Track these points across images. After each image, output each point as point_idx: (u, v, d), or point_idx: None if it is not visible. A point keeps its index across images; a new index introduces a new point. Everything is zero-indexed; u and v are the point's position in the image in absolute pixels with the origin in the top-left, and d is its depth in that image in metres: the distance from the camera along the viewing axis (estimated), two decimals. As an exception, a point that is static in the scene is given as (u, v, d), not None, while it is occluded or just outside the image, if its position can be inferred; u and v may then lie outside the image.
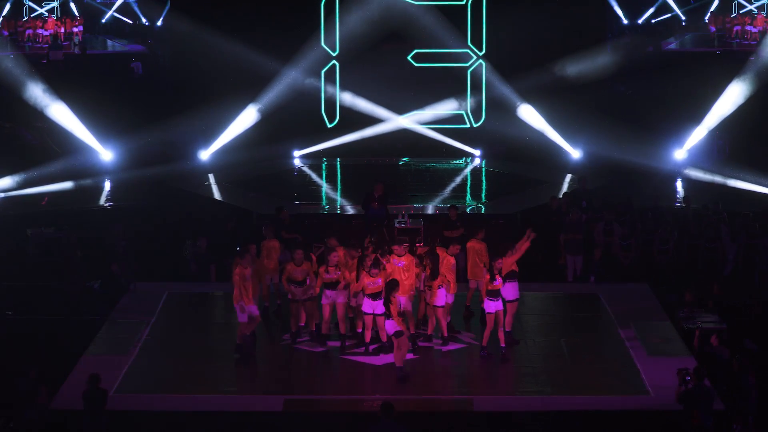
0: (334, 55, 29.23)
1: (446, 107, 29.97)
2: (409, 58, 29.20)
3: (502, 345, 16.50)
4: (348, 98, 29.67)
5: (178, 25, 28.15)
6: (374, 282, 16.09)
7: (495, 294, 16.43)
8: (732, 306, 18.24)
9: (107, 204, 25.94)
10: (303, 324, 17.30)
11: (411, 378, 15.87)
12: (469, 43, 29.26)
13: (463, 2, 29.00)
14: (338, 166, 29.67)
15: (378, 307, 16.11)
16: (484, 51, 29.25)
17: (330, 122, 29.62)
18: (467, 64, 29.26)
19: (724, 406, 14.45)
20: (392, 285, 15.94)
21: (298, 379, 16.00)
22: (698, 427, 13.90)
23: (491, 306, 16.43)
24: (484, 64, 29.23)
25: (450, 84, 29.66)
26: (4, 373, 15.86)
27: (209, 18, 28.64)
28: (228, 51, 28.51)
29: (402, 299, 16.67)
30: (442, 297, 16.87)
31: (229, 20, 28.97)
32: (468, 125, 29.78)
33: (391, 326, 15.81)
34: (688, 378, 14.09)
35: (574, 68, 29.16)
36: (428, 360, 16.64)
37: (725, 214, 21.70)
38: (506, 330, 16.80)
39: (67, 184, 26.54)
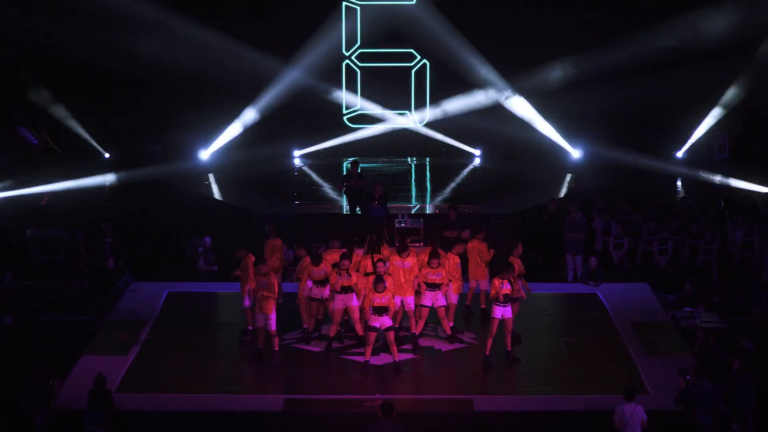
0: (347, 54, 29.29)
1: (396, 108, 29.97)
2: (353, 57, 29.34)
3: (509, 349, 16.48)
4: (349, 97, 29.70)
5: (179, 24, 28.10)
6: (380, 298, 15.97)
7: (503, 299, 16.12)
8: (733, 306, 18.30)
9: (107, 203, 25.91)
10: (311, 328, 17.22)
11: (407, 378, 15.93)
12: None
13: (413, 2, 29.00)
14: (342, 165, 29.67)
15: (386, 321, 16.05)
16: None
17: (348, 119, 29.72)
18: (410, 64, 29.35)
19: (724, 406, 14.44)
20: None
21: (298, 379, 15.99)
22: (697, 427, 13.92)
23: (497, 311, 16.18)
24: (428, 64, 29.29)
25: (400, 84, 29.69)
26: (4, 374, 15.90)
27: (210, 16, 28.61)
28: (229, 49, 28.48)
29: (407, 300, 16.73)
30: (427, 297, 16.81)
31: (229, 19, 28.93)
32: (413, 125, 29.86)
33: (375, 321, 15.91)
34: (688, 377, 14.12)
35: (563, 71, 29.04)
36: (428, 360, 16.65)
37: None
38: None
39: (67, 184, 26.52)
